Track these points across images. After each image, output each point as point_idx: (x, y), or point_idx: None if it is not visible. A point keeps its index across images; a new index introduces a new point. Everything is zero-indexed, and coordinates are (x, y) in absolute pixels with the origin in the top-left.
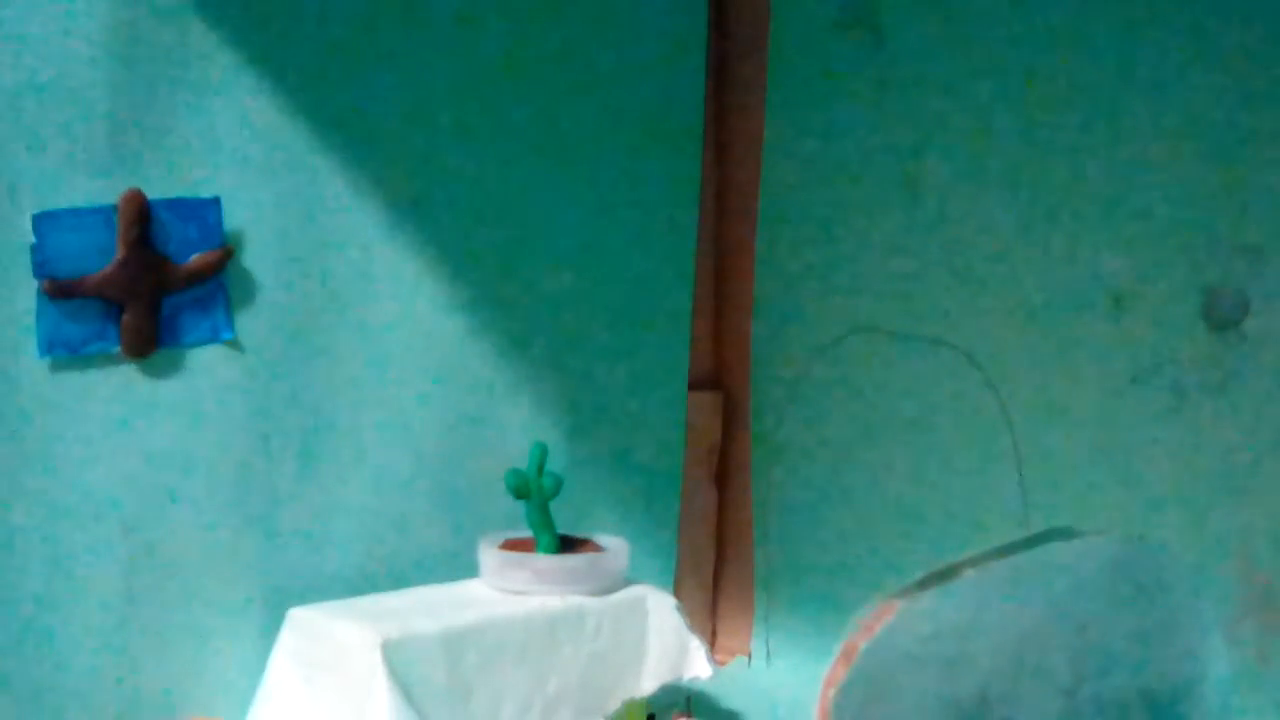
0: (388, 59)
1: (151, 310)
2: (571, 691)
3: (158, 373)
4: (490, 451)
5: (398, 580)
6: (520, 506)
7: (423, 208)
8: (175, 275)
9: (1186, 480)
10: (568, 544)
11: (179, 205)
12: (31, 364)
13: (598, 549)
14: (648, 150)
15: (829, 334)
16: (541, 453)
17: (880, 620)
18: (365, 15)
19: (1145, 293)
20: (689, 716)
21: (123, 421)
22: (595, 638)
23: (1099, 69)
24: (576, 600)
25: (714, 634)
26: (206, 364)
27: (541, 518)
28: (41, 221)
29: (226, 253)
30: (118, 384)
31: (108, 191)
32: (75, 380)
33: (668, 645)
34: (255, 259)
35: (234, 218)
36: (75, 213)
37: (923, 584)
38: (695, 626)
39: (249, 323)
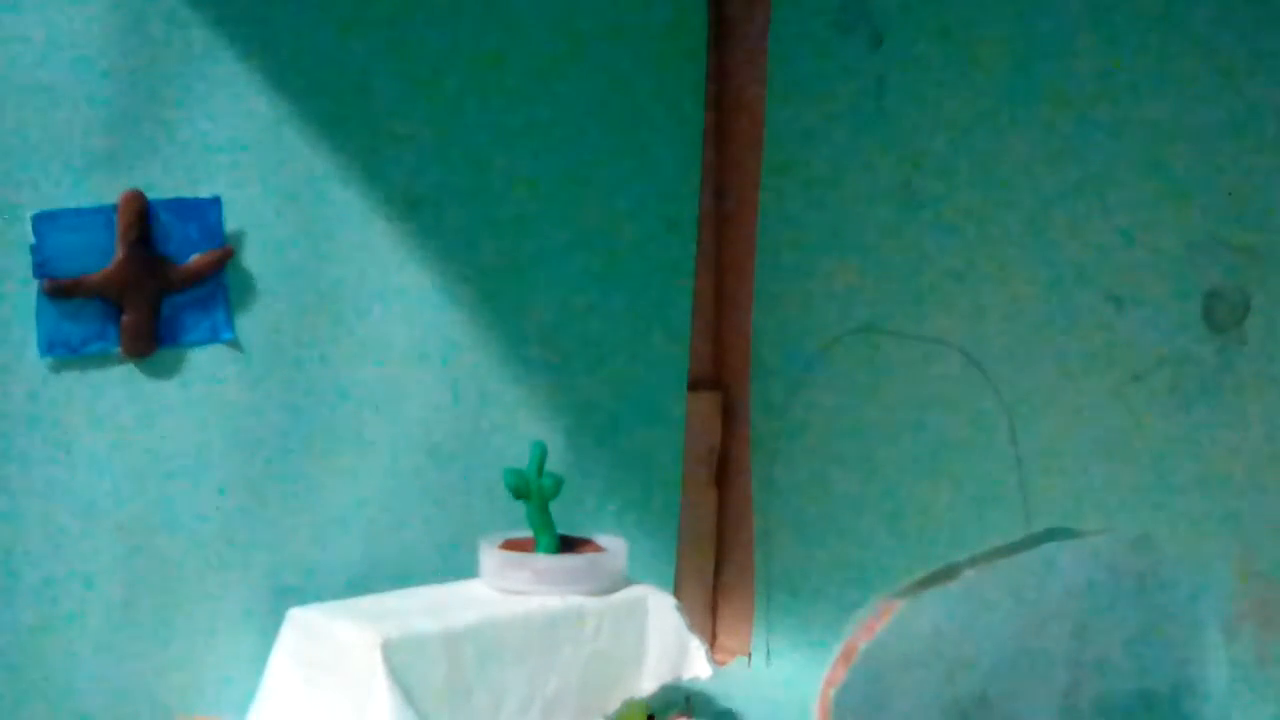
0: (388, 59)
1: (151, 310)
2: (571, 691)
3: (158, 373)
4: (490, 451)
5: (398, 580)
6: (520, 506)
7: (423, 208)
8: (175, 275)
9: (1186, 480)
10: (568, 544)
11: (179, 205)
12: (31, 364)
13: (598, 549)
14: (648, 150)
15: (829, 334)
16: (541, 453)
17: (880, 620)
18: (365, 15)
19: (1145, 293)
20: (689, 716)
21: (123, 421)
22: (595, 638)
23: (1098, 69)
24: (576, 600)
25: (714, 634)
26: (206, 364)
27: (541, 518)
28: (41, 221)
29: (226, 253)
30: (118, 384)
31: (108, 191)
32: (75, 380)
33: (668, 645)
34: (255, 259)
35: (234, 218)
36: (75, 213)
37: (923, 584)
38: (695, 626)
39: (249, 323)
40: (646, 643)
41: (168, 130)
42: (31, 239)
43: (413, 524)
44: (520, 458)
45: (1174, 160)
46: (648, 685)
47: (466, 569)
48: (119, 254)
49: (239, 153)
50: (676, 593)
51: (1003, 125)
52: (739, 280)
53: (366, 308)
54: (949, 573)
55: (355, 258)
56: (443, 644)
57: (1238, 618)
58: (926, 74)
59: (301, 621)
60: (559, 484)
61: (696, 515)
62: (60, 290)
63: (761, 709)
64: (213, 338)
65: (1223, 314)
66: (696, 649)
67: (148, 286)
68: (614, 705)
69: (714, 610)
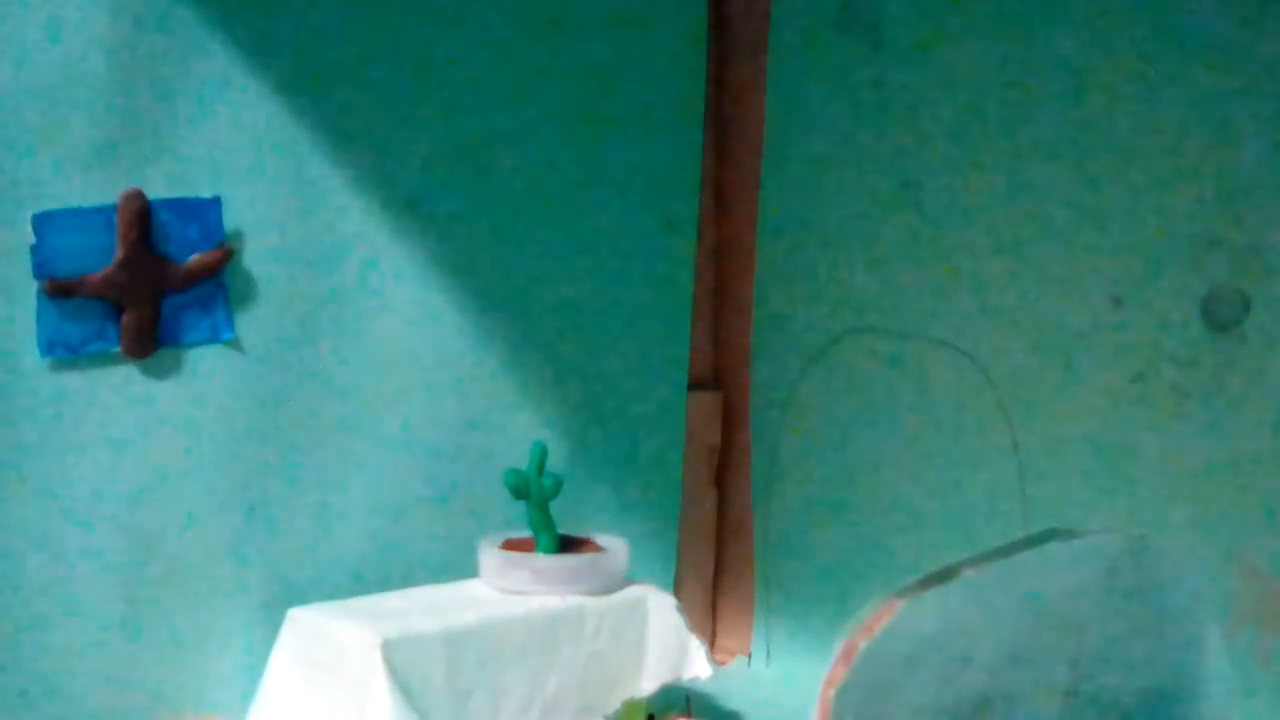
0: (387, 59)
1: (151, 310)
2: (571, 691)
3: (158, 373)
4: (490, 451)
5: (398, 580)
6: (520, 506)
7: (423, 208)
8: (175, 275)
9: (1186, 480)
10: (568, 544)
11: (179, 205)
12: (31, 364)
13: (598, 549)
14: (648, 150)
15: (828, 334)
16: (541, 453)
17: (880, 620)
18: (365, 15)
19: (1145, 293)
20: (689, 716)
21: (123, 421)
22: (595, 638)
23: (1099, 69)
24: (576, 600)
25: (714, 634)
26: (206, 364)
27: (541, 518)
28: (41, 221)
29: (226, 253)
30: (118, 384)
31: (108, 191)
32: (75, 380)
33: (668, 645)
34: (255, 259)
35: (234, 218)
36: (75, 213)
37: (923, 584)
38: (695, 626)
39: (249, 323)
40: (646, 643)
41: (168, 130)
42: (31, 239)
43: (413, 524)
44: (520, 458)
45: (1174, 160)
46: (648, 685)
47: (466, 569)
48: (119, 254)
49: (239, 153)
50: (676, 593)
51: (1002, 125)
52: (739, 281)
53: (367, 307)
54: (949, 573)
55: (355, 257)
56: (443, 644)
57: (1238, 618)
58: (926, 74)
59: (301, 621)
60: (559, 484)
61: (696, 515)
62: (60, 290)
63: (761, 709)
64: (213, 338)
65: (1223, 314)
66: (696, 649)
67: (148, 286)
68: (614, 705)
69: (714, 610)
